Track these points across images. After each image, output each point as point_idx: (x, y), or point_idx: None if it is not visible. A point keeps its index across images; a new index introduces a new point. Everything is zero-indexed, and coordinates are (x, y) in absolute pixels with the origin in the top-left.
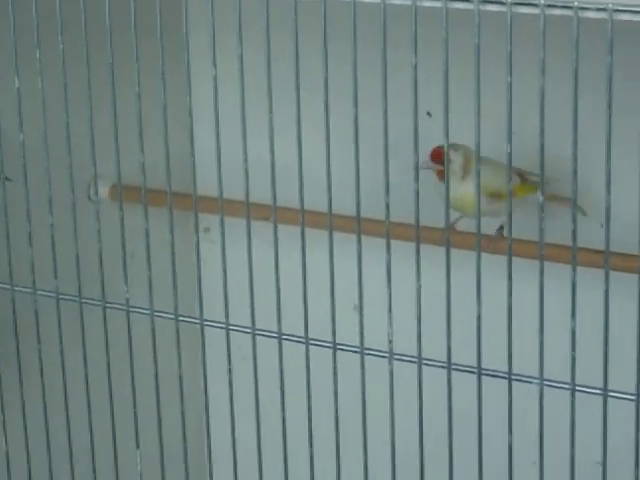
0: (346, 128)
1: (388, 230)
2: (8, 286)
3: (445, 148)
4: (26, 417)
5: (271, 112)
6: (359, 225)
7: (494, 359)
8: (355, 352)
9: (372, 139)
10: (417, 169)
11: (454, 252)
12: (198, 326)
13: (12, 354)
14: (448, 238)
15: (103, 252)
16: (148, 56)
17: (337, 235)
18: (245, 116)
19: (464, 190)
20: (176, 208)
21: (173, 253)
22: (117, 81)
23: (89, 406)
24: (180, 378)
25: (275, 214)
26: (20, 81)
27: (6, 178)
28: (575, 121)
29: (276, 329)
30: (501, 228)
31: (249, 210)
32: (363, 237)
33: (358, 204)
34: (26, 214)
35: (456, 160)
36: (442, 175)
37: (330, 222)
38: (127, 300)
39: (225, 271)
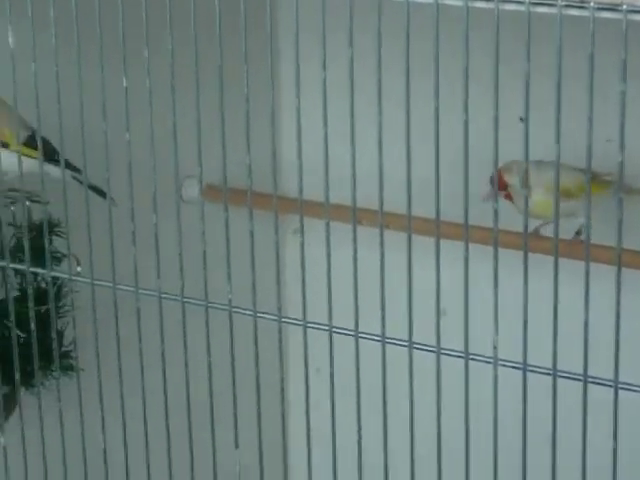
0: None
1: (496, 237)
2: (111, 284)
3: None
4: (125, 414)
5: (352, 116)
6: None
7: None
8: (460, 357)
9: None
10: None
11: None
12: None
13: (110, 352)
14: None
15: (193, 252)
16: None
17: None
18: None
19: (535, 200)
20: (266, 209)
21: (252, 254)
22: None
23: (189, 406)
24: (282, 380)
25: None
26: (128, 80)
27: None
28: None
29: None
30: (578, 232)
31: (355, 214)
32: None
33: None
34: (130, 213)
35: (514, 183)
36: (510, 197)
37: (438, 228)
38: (230, 300)
39: (329, 273)
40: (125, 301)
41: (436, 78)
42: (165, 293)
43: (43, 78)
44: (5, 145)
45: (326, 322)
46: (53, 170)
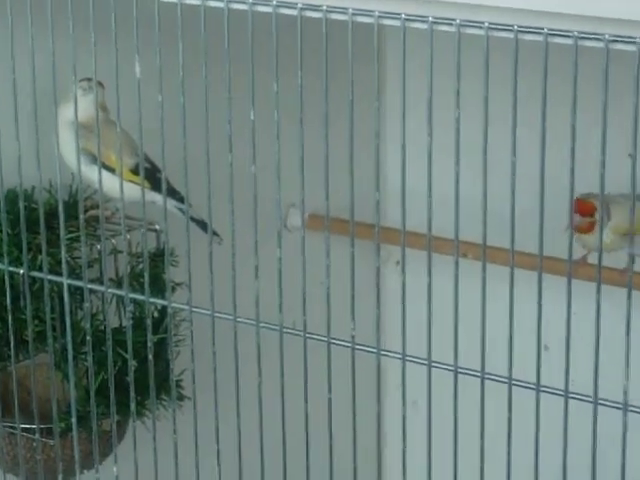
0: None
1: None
2: (231, 317)
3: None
4: (241, 447)
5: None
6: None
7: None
8: (560, 395)
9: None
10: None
11: None
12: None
13: (229, 383)
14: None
15: (291, 281)
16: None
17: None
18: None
19: (605, 237)
20: (366, 238)
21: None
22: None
23: (307, 439)
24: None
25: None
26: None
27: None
28: None
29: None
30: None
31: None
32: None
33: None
34: (253, 246)
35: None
36: (585, 229)
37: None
38: (353, 337)
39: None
40: (244, 333)
41: (543, 112)
42: (286, 327)
43: (168, 109)
44: (111, 170)
45: (424, 355)
46: (158, 199)
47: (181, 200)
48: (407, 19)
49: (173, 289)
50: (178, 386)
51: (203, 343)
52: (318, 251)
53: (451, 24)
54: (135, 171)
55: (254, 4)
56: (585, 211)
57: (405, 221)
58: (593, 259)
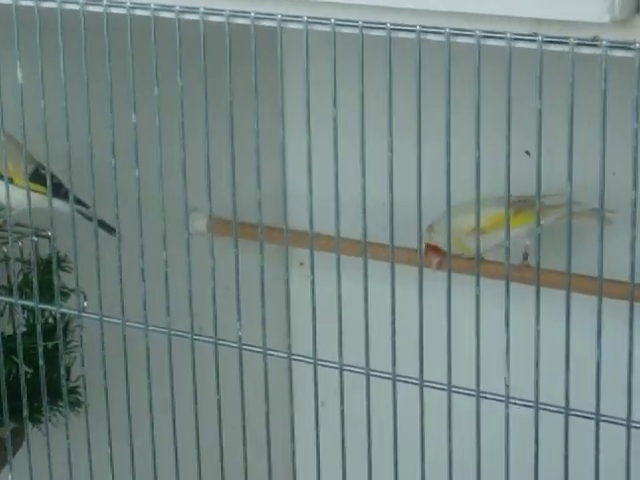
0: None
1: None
2: (119, 321)
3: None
4: (133, 451)
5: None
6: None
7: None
8: (471, 395)
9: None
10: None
11: None
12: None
13: (118, 388)
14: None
15: (198, 286)
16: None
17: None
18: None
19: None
20: (272, 242)
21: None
22: (218, 116)
23: (198, 442)
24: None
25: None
26: (137, 116)
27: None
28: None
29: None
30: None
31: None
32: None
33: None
34: (140, 250)
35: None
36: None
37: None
38: (240, 337)
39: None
40: (134, 337)
41: (448, 111)
42: (175, 330)
43: (52, 114)
44: (10, 180)
45: (335, 358)
46: (59, 205)
47: (83, 204)
48: (283, 19)
49: (67, 295)
50: (74, 392)
51: (99, 348)
52: (222, 256)
53: (326, 23)
54: (33, 179)
55: (132, 8)
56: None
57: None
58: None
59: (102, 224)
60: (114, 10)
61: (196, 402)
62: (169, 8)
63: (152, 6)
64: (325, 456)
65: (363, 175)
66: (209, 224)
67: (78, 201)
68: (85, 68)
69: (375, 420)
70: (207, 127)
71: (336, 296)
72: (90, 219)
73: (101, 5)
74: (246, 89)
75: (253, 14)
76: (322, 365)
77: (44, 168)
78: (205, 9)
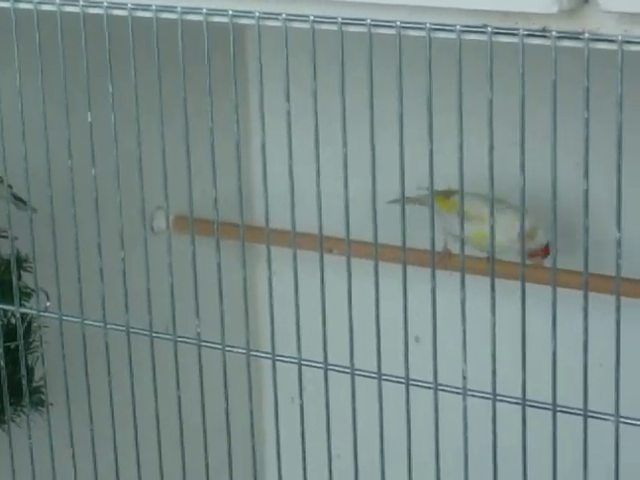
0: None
1: (464, 266)
2: (79, 319)
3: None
4: (95, 449)
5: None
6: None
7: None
8: (429, 388)
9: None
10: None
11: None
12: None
13: (82, 387)
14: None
15: (164, 285)
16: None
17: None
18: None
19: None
20: (235, 239)
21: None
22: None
23: (159, 441)
24: (251, 413)
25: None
26: (92, 116)
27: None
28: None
29: (348, 364)
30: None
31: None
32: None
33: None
34: (98, 248)
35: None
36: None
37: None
38: (198, 334)
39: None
40: (94, 336)
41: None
42: (133, 327)
43: (7, 112)
44: None
45: (315, 357)
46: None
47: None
48: (261, 17)
49: (29, 295)
50: (38, 392)
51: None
52: (185, 253)
53: (306, 21)
54: None
55: (85, 7)
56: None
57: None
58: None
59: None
60: (68, 9)
61: (156, 399)
62: (146, 7)
63: (129, 5)
64: (291, 454)
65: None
66: (171, 222)
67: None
68: (40, 67)
69: (337, 415)
70: (162, 127)
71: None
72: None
73: (54, 4)
74: (204, 86)
75: (231, 12)
76: (281, 361)
77: None
78: (157, 6)
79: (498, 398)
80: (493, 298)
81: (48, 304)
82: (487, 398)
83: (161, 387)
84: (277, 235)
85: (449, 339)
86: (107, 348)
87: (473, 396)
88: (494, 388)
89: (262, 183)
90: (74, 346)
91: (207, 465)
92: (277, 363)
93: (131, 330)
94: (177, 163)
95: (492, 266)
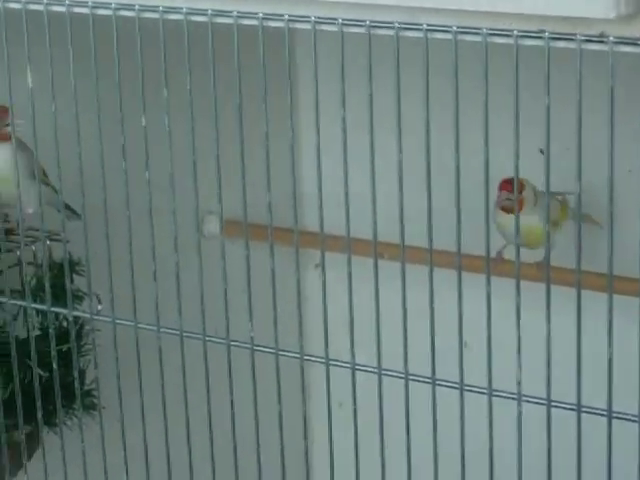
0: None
1: (518, 272)
2: (132, 323)
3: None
4: (147, 453)
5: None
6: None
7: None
8: (483, 393)
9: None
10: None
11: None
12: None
13: (131, 390)
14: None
15: (211, 288)
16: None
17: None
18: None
19: (531, 221)
20: (285, 244)
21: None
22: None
23: (212, 444)
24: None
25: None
26: (147, 120)
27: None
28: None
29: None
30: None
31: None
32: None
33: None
34: (152, 252)
35: (528, 192)
36: (507, 208)
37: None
38: (252, 339)
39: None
40: (147, 339)
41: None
42: (187, 332)
43: (62, 117)
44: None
45: (349, 358)
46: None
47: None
48: (317, 22)
49: (81, 298)
50: (89, 395)
51: (112, 351)
52: (236, 258)
53: (362, 25)
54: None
55: (141, 11)
56: (509, 187)
57: (324, 224)
58: (509, 254)
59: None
60: (123, 13)
61: (209, 403)
62: (177, 10)
63: (160, 8)
64: (341, 458)
65: (372, 175)
66: (223, 226)
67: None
68: (95, 72)
69: (386, 419)
70: (217, 132)
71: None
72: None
73: (109, 8)
74: (256, 91)
75: (261, 15)
76: (334, 365)
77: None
78: (213, 11)
79: (553, 404)
80: (548, 304)
81: (100, 307)
82: (541, 404)
83: (212, 390)
84: (328, 240)
85: (498, 345)
86: (160, 352)
87: (528, 402)
88: (549, 394)
89: (312, 188)
90: (123, 349)
91: (260, 469)
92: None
93: (184, 334)
94: (229, 168)
95: (547, 272)
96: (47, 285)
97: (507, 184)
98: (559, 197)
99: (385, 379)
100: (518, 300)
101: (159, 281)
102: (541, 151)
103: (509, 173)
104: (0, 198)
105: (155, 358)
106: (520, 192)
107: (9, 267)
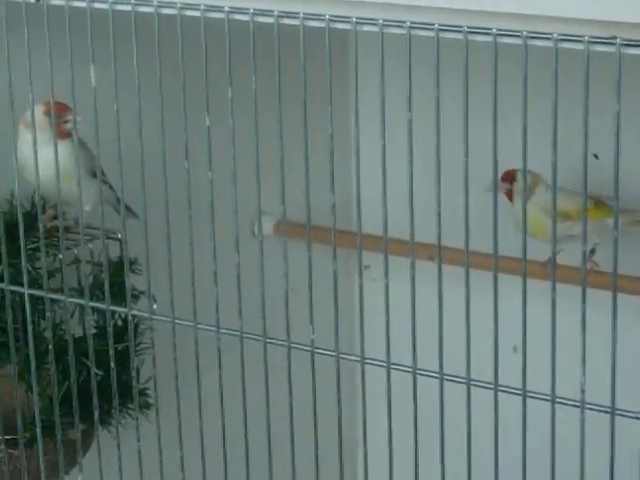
0: None
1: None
2: (191, 323)
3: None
4: (204, 453)
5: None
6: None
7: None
8: (518, 394)
9: None
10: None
11: None
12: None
13: (186, 390)
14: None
15: (256, 288)
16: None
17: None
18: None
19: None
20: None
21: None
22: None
23: (269, 444)
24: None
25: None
26: (210, 119)
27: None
28: None
29: (437, 369)
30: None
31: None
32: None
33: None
34: (213, 252)
35: (518, 182)
36: (510, 195)
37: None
38: (312, 341)
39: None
40: (202, 339)
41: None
42: (247, 332)
43: (124, 116)
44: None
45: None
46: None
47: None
48: (358, 22)
49: (137, 297)
50: (143, 394)
51: (168, 350)
52: (287, 258)
53: (401, 26)
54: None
55: (207, 11)
56: (506, 177)
57: (371, 225)
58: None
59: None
60: (189, 12)
61: (268, 405)
62: (243, 10)
63: (226, 9)
64: (379, 457)
65: (438, 179)
66: (276, 227)
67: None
68: (159, 70)
69: (425, 420)
70: (281, 129)
71: (397, 300)
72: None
73: (175, 7)
74: (318, 93)
75: (328, 16)
76: (370, 364)
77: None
78: (279, 12)
79: (617, 412)
80: (615, 310)
81: (155, 306)
82: (606, 412)
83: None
84: (373, 241)
85: (544, 349)
86: (219, 352)
87: (591, 409)
88: (613, 401)
89: (363, 190)
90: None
91: (317, 471)
92: (367, 369)
93: (244, 335)
94: (287, 169)
95: (614, 280)
96: (106, 284)
97: (505, 174)
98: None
99: (420, 380)
100: (583, 309)
101: (211, 282)
102: (595, 156)
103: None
104: (59, 195)
105: (211, 358)
106: (511, 183)
107: (67, 265)
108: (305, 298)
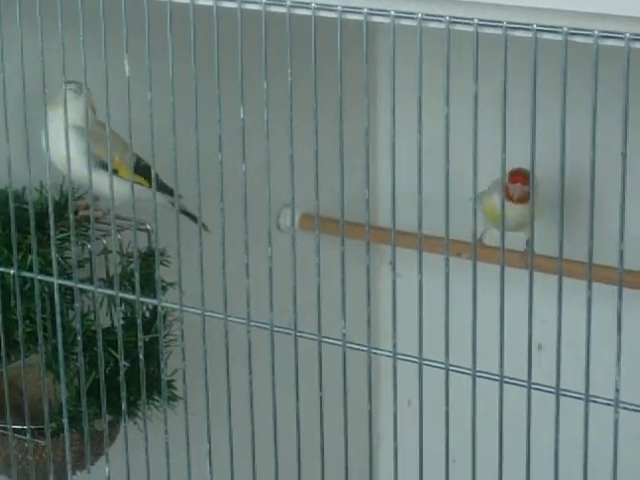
0: None
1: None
2: (222, 315)
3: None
4: (232, 446)
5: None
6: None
7: None
8: (551, 392)
9: None
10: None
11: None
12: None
13: (218, 383)
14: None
15: (284, 280)
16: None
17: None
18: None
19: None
20: (357, 238)
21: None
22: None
23: (298, 439)
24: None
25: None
26: (245, 112)
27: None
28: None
29: (470, 365)
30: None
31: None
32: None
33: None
34: (244, 245)
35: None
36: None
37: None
38: (344, 335)
39: (421, 306)
40: (215, 329)
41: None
42: (277, 326)
43: (157, 107)
44: (115, 172)
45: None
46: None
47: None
48: (397, 16)
49: (165, 289)
50: (170, 386)
51: (196, 342)
52: (311, 251)
53: (441, 21)
54: (137, 171)
55: (243, 2)
56: (521, 179)
57: (396, 220)
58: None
59: (187, 213)
60: (225, 4)
61: (298, 398)
62: (280, 2)
63: (264, 1)
64: (407, 453)
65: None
66: (299, 220)
67: (167, 190)
68: (194, 62)
69: (455, 416)
70: (316, 124)
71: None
72: (190, 215)
73: (234, 1)
74: (336, 86)
75: (340, 7)
76: (401, 359)
77: (143, 160)
78: (317, 5)
79: (621, 406)
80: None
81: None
82: (638, 411)
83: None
84: (402, 236)
85: (570, 347)
86: (249, 346)
87: (625, 409)
88: (617, 398)
89: (385, 184)
90: (195, 340)
91: (347, 468)
92: (381, 363)
93: (275, 329)
94: (304, 162)
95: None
96: (137, 275)
97: (519, 176)
98: None
99: (452, 376)
100: (619, 306)
101: (230, 273)
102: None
103: None
104: (90, 186)
105: (243, 351)
106: (527, 184)
107: (97, 255)
108: (329, 292)
